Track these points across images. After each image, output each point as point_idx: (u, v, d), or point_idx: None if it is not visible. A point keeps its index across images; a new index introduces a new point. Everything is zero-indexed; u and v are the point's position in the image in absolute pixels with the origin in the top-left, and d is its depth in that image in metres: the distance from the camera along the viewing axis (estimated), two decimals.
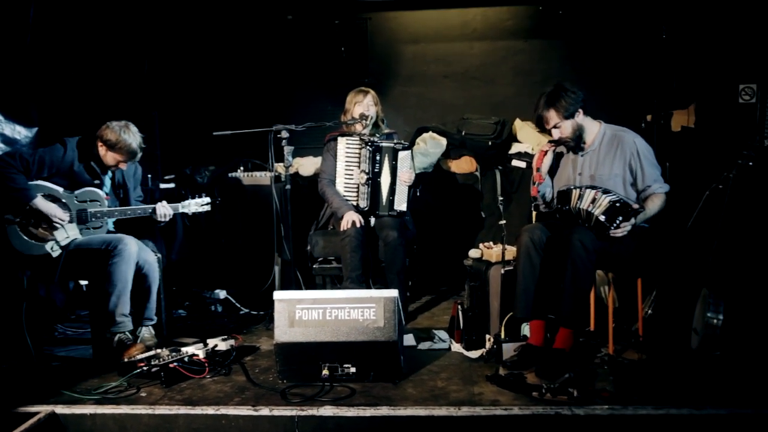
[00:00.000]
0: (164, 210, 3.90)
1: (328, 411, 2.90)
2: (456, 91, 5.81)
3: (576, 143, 3.59)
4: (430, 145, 5.21)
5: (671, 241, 3.85)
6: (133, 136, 3.76)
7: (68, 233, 3.68)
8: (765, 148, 4.48)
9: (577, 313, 3.33)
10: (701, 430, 2.74)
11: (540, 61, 5.70)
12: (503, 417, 2.83)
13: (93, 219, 3.75)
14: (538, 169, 3.60)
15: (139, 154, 3.84)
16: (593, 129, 3.60)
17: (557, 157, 3.72)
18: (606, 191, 3.37)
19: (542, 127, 3.64)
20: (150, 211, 3.87)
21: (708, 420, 2.75)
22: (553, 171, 3.71)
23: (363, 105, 4.36)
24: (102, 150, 3.78)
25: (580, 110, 3.53)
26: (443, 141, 5.28)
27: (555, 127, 3.54)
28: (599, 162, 3.56)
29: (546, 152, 3.60)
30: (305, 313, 3.18)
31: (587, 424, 2.79)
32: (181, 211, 3.97)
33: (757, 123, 4.62)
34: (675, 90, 4.76)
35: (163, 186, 4.82)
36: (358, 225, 4.14)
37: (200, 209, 4.03)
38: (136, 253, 3.67)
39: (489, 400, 2.96)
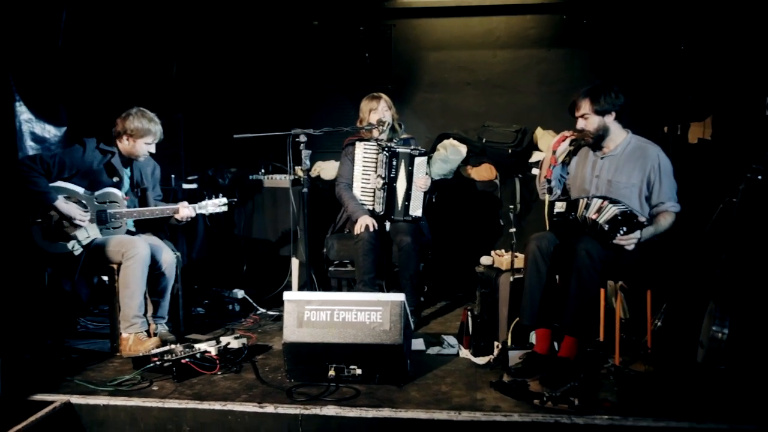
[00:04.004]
0: (187, 212, 4.00)
1: (331, 411, 2.96)
2: (478, 98, 5.83)
3: (595, 142, 3.62)
4: (451, 152, 5.25)
5: (681, 254, 3.83)
6: (149, 116, 3.91)
7: (89, 233, 3.81)
8: None
9: (582, 322, 3.34)
10: None
11: (563, 70, 5.70)
12: (502, 423, 2.85)
13: (112, 219, 3.87)
14: (554, 152, 3.65)
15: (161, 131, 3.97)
16: (619, 136, 3.62)
17: (575, 152, 3.75)
18: (614, 201, 3.38)
19: (572, 112, 3.66)
20: (169, 212, 3.98)
21: None
22: (569, 161, 3.76)
23: (378, 112, 4.42)
24: (129, 142, 3.89)
25: (614, 113, 3.56)
26: (463, 148, 5.32)
27: (582, 116, 3.58)
28: (618, 168, 3.57)
29: (566, 138, 3.65)
30: (314, 314, 3.24)
31: None
32: (198, 212, 4.07)
33: None
34: (691, 102, 4.72)
35: (185, 186, 4.93)
36: (371, 229, 4.20)
37: (217, 210, 4.13)
38: (149, 257, 3.77)
39: (490, 405, 2.99)
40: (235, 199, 4.24)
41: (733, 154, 4.44)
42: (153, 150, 3.99)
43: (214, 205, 4.12)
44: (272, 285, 5.06)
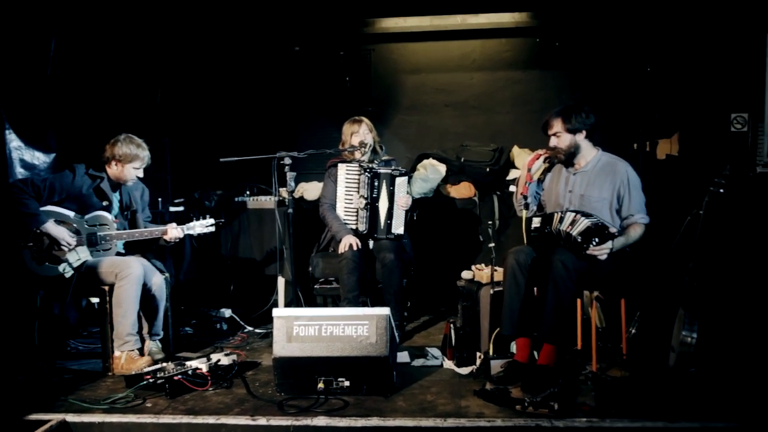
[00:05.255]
0: (175, 233, 4.11)
1: (321, 421, 3.06)
2: (456, 119, 6.03)
3: (567, 159, 3.81)
4: (431, 171, 5.41)
5: (653, 263, 4.02)
6: (137, 142, 4.04)
7: (80, 255, 3.90)
8: (757, 175, 4.68)
9: (559, 330, 3.49)
10: None
11: (537, 91, 5.91)
12: (487, 428, 2.98)
13: (103, 242, 3.97)
14: (529, 170, 3.83)
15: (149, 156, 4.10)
16: (590, 153, 3.81)
17: (549, 169, 3.92)
18: (586, 214, 3.55)
19: (545, 131, 3.84)
20: (158, 233, 4.08)
21: None
22: (543, 178, 3.92)
23: (359, 134, 4.58)
24: (117, 168, 4.01)
25: (584, 132, 3.75)
26: (443, 167, 5.48)
27: (555, 135, 3.77)
28: (590, 183, 3.76)
29: (540, 156, 3.83)
30: (302, 329, 3.36)
31: None
32: (186, 233, 4.18)
33: (749, 150, 4.81)
34: (658, 120, 4.95)
35: (172, 209, 5.04)
36: (355, 248, 4.33)
37: (205, 230, 4.24)
38: (142, 276, 3.87)
39: (474, 412, 3.12)
40: (222, 220, 4.37)
41: (698, 168, 4.67)
42: (141, 174, 4.11)
43: (202, 225, 4.22)
44: (259, 303, 5.17)
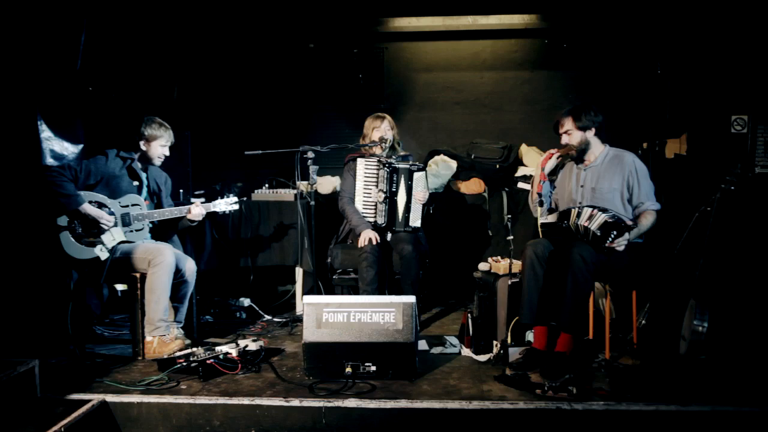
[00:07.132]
0: (198, 210, 4.28)
1: (352, 403, 3.22)
2: (466, 117, 6.20)
3: (578, 155, 4.01)
4: (442, 167, 5.56)
5: (664, 257, 4.21)
6: (159, 121, 4.29)
7: (114, 236, 4.05)
8: (756, 175, 4.87)
9: (577, 320, 3.67)
10: (687, 423, 3.07)
11: (545, 91, 6.10)
12: (510, 410, 3.15)
13: (135, 221, 4.14)
14: (543, 169, 4.01)
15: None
16: (598, 149, 4.01)
17: (561, 167, 4.12)
18: (602, 209, 3.73)
19: (557, 130, 4.04)
20: (185, 211, 4.26)
21: (693, 415, 3.07)
22: (555, 177, 4.12)
23: (381, 130, 4.73)
24: (146, 147, 4.26)
25: (593, 129, 3.95)
26: (453, 164, 5.64)
27: (566, 132, 3.97)
28: (600, 177, 3.95)
29: (552, 155, 4.02)
30: (331, 315, 3.52)
31: (584, 418, 3.11)
32: (212, 210, 4.35)
33: (748, 151, 5.01)
34: (668, 120, 5.14)
35: (194, 200, 5.17)
36: (374, 243, 4.47)
37: (229, 208, 4.39)
38: (174, 264, 4.02)
39: (497, 395, 3.29)
40: (245, 198, 4.50)
41: (705, 167, 4.86)
42: (167, 152, 4.33)
43: (226, 203, 4.39)
44: (277, 293, 5.30)
